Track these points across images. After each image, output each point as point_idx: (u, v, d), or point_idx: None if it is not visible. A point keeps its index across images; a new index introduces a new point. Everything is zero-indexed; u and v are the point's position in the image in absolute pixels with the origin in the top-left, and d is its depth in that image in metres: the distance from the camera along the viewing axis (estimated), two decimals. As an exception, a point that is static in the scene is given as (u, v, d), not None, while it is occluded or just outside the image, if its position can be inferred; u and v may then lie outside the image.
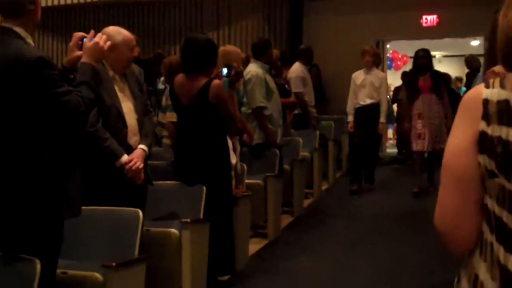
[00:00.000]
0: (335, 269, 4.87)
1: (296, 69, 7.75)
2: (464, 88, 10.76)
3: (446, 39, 12.58)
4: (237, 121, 4.55)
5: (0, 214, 2.74)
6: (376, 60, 7.68)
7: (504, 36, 1.27)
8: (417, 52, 7.29)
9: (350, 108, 7.60)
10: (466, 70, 10.23)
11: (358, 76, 7.60)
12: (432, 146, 7.12)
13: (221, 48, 5.33)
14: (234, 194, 4.51)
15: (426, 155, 7.42)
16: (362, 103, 7.47)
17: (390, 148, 12.22)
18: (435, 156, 7.17)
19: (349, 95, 7.63)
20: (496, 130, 1.23)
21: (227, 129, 4.36)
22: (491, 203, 1.26)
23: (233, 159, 4.53)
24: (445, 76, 10.53)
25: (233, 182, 4.52)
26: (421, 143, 7.09)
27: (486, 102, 1.25)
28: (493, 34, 2.96)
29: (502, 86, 1.25)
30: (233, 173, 4.50)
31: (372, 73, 7.51)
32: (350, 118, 7.61)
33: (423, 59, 7.19)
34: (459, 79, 12.84)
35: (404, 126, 7.30)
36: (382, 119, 7.46)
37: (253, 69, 5.87)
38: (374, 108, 7.43)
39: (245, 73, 5.82)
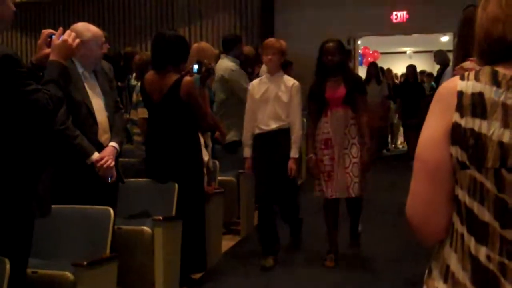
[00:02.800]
0: (309, 264, 4.88)
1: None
2: (434, 84, 10.88)
3: (416, 35, 12.70)
4: (209, 118, 4.54)
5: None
6: (282, 58, 4.85)
7: (483, 30, 1.28)
8: (323, 45, 4.69)
9: (246, 137, 4.88)
10: (437, 66, 10.38)
11: (257, 86, 4.84)
12: (346, 191, 4.66)
13: (195, 45, 5.31)
14: (206, 191, 4.50)
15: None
16: (264, 128, 4.76)
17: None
18: (355, 203, 4.90)
19: (245, 116, 4.91)
20: (469, 122, 1.24)
21: (198, 126, 4.34)
22: (462, 194, 1.27)
23: (205, 156, 4.52)
24: (372, 75, 10.49)
25: (205, 179, 4.50)
26: (331, 187, 4.66)
27: (460, 94, 1.26)
28: (462, 29, 3.01)
29: (477, 79, 1.26)
30: (205, 170, 4.49)
31: (277, 80, 4.77)
32: (247, 152, 4.85)
33: (332, 54, 4.62)
34: (429, 74, 12.95)
35: (308, 157, 4.75)
36: (294, 153, 4.69)
37: (228, 64, 5.86)
38: (282, 136, 4.74)
39: (219, 68, 5.81)
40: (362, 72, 14.17)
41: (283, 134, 4.73)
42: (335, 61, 4.60)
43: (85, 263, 3.03)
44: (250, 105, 4.84)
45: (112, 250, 3.29)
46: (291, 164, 4.67)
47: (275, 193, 4.82)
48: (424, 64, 15.07)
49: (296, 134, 4.72)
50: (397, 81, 13.50)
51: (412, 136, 9.64)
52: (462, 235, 1.28)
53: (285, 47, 4.80)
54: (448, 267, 1.30)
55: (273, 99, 4.72)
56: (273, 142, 4.73)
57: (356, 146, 4.63)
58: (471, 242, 1.26)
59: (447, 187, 1.29)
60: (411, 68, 10.70)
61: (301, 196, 5.57)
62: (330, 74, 4.63)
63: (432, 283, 1.34)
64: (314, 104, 4.72)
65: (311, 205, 5.57)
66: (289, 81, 4.78)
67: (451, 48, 10.35)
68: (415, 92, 10.25)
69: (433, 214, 1.31)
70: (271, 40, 4.87)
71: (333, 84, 4.64)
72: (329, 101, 4.63)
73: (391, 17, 10.91)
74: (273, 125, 4.73)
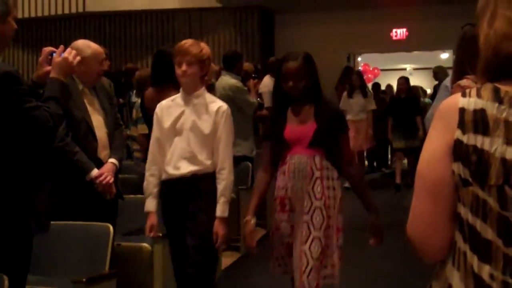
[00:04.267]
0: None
1: (267, 82, 7.74)
2: (428, 100, 10.71)
3: (416, 52, 12.75)
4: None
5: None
6: (204, 70, 3.33)
7: (490, 46, 1.27)
8: (282, 64, 3.23)
9: (149, 183, 3.35)
10: (435, 82, 10.37)
11: (167, 110, 3.36)
12: (297, 279, 3.11)
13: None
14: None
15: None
16: (172, 172, 3.29)
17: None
18: None
19: (148, 154, 3.44)
20: (471, 139, 1.23)
21: None
22: (464, 212, 1.26)
23: None
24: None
25: None
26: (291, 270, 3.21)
27: (462, 110, 1.25)
28: (460, 47, 3.02)
29: (479, 95, 1.26)
30: None
31: (197, 103, 3.30)
32: (150, 204, 3.34)
33: (295, 79, 3.15)
34: (423, 91, 12.92)
35: (245, 219, 3.28)
36: (221, 211, 3.25)
37: (231, 81, 5.86)
38: (199, 185, 3.28)
39: (220, 85, 5.81)
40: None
41: (201, 182, 3.25)
42: (299, 88, 3.13)
43: (84, 279, 3.01)
44: (156, 137, 3.34)
45: (111, 267, 3.27)
46: (216, 228, 3.21)
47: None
48: (424, 81, 15.11)
49: (225, 183, 3.24)
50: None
51: (412, 158, 8.85)
52: (465, 253, 1.26)
53: (209, 54, 3.30)
54: (450, 286, 1.28)
55: (188, 130, 3.25)
56: (184, 195, 3.26)
57: (321, 212, 3.11)
58: (474, 260, 1.24)
59: (449, 204, 1.28)
60: (402, 80, 9.28)
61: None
62: (293, 103, 3.24)
63: (434, 303, 1.32)
64: (269, 145, 3.29)
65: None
66: (214, 103, 3.31)
67: (451, 65, 10.39)
68: (408, 108, 8.86)
69: (435, 232, 1.29)
70: (187, 42, 3.24)
71: (298, 118, 3.21)
72: (289, 141, 3.18)
73: (391, 34, 10.97)
74: (186, 169, 3.23)
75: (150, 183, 3.34)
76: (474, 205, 1.24)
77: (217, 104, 3.32)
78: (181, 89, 3.34)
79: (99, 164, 3.51)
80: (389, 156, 12.29)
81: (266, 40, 11.14)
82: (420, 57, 14.50)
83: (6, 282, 2.58)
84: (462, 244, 1.27)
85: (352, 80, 9.05)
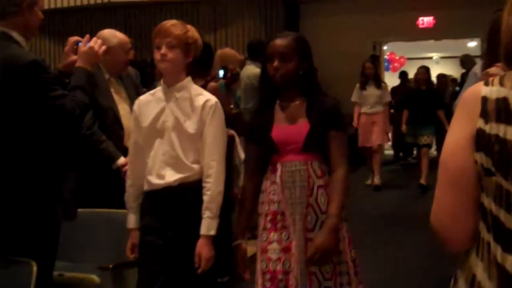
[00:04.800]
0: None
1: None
2: (458, 88, 10.58)
3: (443, 41, 12.60)
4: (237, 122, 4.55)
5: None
6: (190, 56, 2.76)
7: (509, 33, 1.26)
8: (269, 44, 2.66)
9: (130, 195, 2.84)
10: (463, 71, 10.22)
11: (146, 106, 2.80)
12: None
13: (219, 51, 5.33)
14: (232, 195, 4.50)
15: None
16: (155, 181, 2.72)
17: (388, 150, 12.24)
18: None
19: (128, 158, 3.03)
20: (494, 128, 1.21)
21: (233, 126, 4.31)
22: (487, 202, 1.25)
23: (242, 154, 4.52)
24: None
25: (241, 177, 4.50)
26: None
27: (484, 99, 1.24)
28: (492, 33, 2.96)
29: (502, 84, 1.24)
30: (242, 168, 4.48)
31: (180, 96, 2.73)
32: (132, 221, 2.84)
33: (282, 58, 2.57)
34: (453, 80, 12.79)
35: (234, 244, 2.74)
36: (206, 228, 2.66)
37: (255, 71, 5.85)
38: (187, 197, 2.71)
39: (245, 75, 5.81)
40: (389, 78, 14.13)
41: (191, 193, 2.67)
42: (286, 71, 2.55)
43: (110, 266, 3.05)
44: (134, 140, 2.82)
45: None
46: (200, 249, 2.65)
47: None
48: (451, 70, 14.94)
49: (210, 194, 2.63)
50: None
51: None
52: (489, 244, 1.25)
53: (196, 38, 2.71)
54: (474, 276, 1.28)
55: (171, 129, 2.69)
56: (170, 209, 2.69)
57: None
58: (497, 250, 1.23)
59: (472, 194, 1.27)
60: (422, 70, 8.42)
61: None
62: (281, 96, 2.65)
63: (458, 293, 1.32)
64: (255, 148, 2.70)
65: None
66: (200, 97, 2.72)
67: (478, 53, 10.26)
68: (428, 102, 8.05)
69: (458, 222, 1.29)
70: (169, 21, 2.72)
71: (287, 115, 2.63)
72: (278, 145, 2.60)
73: (418, 22, 10.84)
74: (171, 177, 2.67)
75: (130, 196, 2.81)
76: (498, 195, 1.22)
77: (204, 97, 2.71)
78: (161, 81, 2.83)
79: (126, 152, 3.53)
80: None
81: (291, 29, 11.06)
82: (447, 46, 14.32)
83: (35, 268, 2.63)
84: (486, 234, 1.26)
85: (365, 68, 8.23)
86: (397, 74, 12.80)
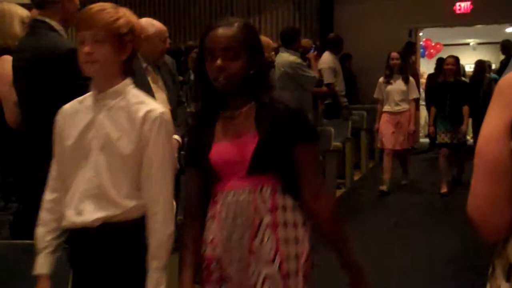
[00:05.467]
0: (368, 260, 4.82)
1: (327, 59, 7.67)
2: (494, 75, 10.30)
3: (480, 26, 12.38)
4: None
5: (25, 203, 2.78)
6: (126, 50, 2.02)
7: None
8: (210, 27, 1.94)
9: (41, 235, 2.09)
10: (501, 57, 10.01)
11: (71, 117, 2.12)
12: None
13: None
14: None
15: None
16: (74, 219, 2.02)
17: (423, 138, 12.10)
18: None
19: (47, 185, 2.18)
20: None
21: None
22: (523, 191, 1.24)
23: None
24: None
25: None
26: None
27: None
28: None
29: None
30: None
31: (112, 106, 2.04)
32: (41, 266, 2.06)
33: (230, 39, 1.88)
34: (490, 66, 12.46)
35: None
36: (153, 284, 1.99)
37: (289, 58, 5.84)
38: (117, 242, 2.01)
39: (279, 63, 5.81)
40: (425, 65, 13.93)
41: (119, 237, 2.01)
42: (236, 70, 1.89)
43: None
44: (56, 160, 2.13)
45: (175, 241, 3.35)
46: None
47: None
48: (488, 56, 14.67)
49: (158, 237, 2.03)
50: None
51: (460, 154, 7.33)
52: (525, 233, 1.25)
53: (132, 24, 2.04)
54: (511, 265, 1.28)
55: (98, 149, 2.02)
56: (92, 257, 2.03)
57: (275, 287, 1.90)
58: (533, 240, 1.22)
59: (509, 183, 1.25)
60: (451, 60, 7.12)
61: None
62: (226, 104, 1.99)
63: (495, 282, 1.31)
64: (195, 176, 2.05)
65: None
66: (141, 106, 2.02)
67: (517, 39, 10.05)
68: (457, 95, 6.95)
69: (494, 212, 1.27)
70: (93, 6, 2.03)
71: (230, 128, 1.97)
72: (218, 169, 1.97)
73: (454, 8, 10.66)
74: (91, 215, 1.99)
75: (40, 233, 2.07)
76: (534, 184, 1.21)
77: (145, 106, 2.00)
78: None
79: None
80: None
81: (325, 16, 11.02)
82: (485, 31, 14.03)
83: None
84: (522, 224, 1.26)
85: (390, 58, 7.11)
86: (433, 61, 12.62)
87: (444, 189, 7.03)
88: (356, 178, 8.21)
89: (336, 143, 7.10)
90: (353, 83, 9.49)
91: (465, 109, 6.92)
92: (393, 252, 5.02)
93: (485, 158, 1.28)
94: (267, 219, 1.91)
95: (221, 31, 1.88)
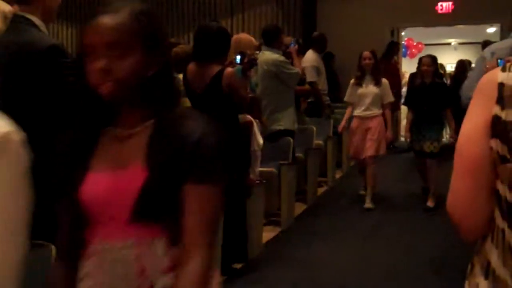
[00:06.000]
0: (349, 257, 4.87)
1: (310, 57, 7.68)
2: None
3: (462, 26, 12.47)
4: (254, 109, 4.58)
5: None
6: None
7: None
8: (92, 13, 1.45)
9: None
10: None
11: None
12: None
13: (234, 36, 5.31)
14: (248, 182, 4.51)
15: None
16: None
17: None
18: None
19: None
20: (509, 115, 1.20)
21: (251, 112, 4.34)
22: (502, 189, 1.24)
23: (260, 140, 4.55)
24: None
25: (258, 162, 4.52)
26: None
27: (501, 86, 1.23)
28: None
29: None
30: (259, 153, 4.52)
31: None
32: None
33: (116, 28, 1.39)
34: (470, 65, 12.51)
35: None
36: None
37: (272, 56, 5.83)
38: None
39: (262, 61, 5.79)
40: (406, 64, 14.00)
41: None
42: (126, 72, 1.39)
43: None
44: None
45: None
46: None
47: None
48: (469, 56, 14.79)
49: None
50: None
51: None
52: (503, 231, 1.25)
53: None
54: (489, 263, 1.28)
55: None
56: None
57: None
58: (512, 237, 1.23)
59: (487, 181, 1.26)
60: (427, 60, 6.45)
61: None
62: (113, 119, 1.49)
63: (474, 280, 1.32)
64: (64, 211, 1.50)
65: None
66: None
67: (497, 39, 10.13)
68: (434, 98, 6.28)
69: (474, 209, 1.28)
70: None
71: (113, 154, 1.46)
72: (91, 212, 1.45)
73: (436, 8, 10.72)
74: None
75: None
76: (513, 182, 1.21)
77: None
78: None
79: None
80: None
81: (308, 15, 11.03)
82: (466, 31, 14.16)
83: (53, 252, 2.66)
84: (501, 222, 1.26)
85: (362, 58, 6.44)
86: (414, 60, 12.69)
87: (430, 203, 6.35)
88: (338, 176, 8.23)
89: (318, 141, 7.13)
90: (335, 82, 9.51)
91: (448, 112, 6.32)
92: (375, 251, 5.03)
93: (465, 156, 1.28)
94: (162, 282, 1.40)
95: (104, 20, 1.39)
